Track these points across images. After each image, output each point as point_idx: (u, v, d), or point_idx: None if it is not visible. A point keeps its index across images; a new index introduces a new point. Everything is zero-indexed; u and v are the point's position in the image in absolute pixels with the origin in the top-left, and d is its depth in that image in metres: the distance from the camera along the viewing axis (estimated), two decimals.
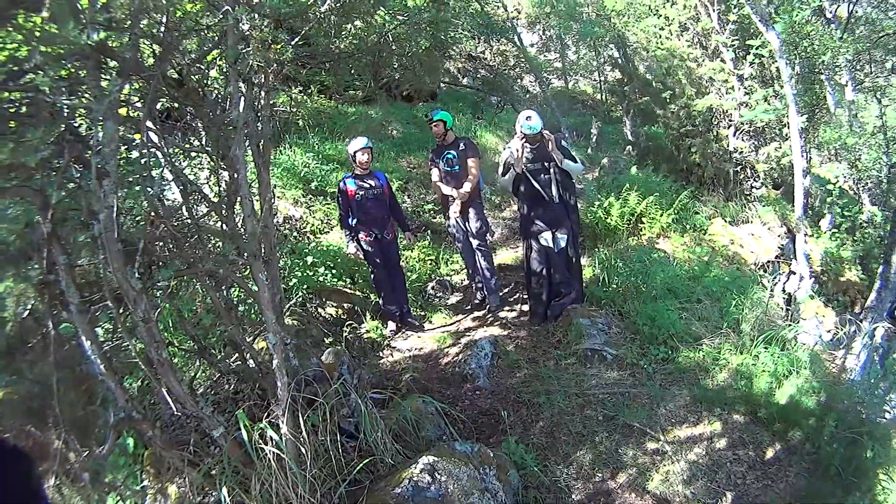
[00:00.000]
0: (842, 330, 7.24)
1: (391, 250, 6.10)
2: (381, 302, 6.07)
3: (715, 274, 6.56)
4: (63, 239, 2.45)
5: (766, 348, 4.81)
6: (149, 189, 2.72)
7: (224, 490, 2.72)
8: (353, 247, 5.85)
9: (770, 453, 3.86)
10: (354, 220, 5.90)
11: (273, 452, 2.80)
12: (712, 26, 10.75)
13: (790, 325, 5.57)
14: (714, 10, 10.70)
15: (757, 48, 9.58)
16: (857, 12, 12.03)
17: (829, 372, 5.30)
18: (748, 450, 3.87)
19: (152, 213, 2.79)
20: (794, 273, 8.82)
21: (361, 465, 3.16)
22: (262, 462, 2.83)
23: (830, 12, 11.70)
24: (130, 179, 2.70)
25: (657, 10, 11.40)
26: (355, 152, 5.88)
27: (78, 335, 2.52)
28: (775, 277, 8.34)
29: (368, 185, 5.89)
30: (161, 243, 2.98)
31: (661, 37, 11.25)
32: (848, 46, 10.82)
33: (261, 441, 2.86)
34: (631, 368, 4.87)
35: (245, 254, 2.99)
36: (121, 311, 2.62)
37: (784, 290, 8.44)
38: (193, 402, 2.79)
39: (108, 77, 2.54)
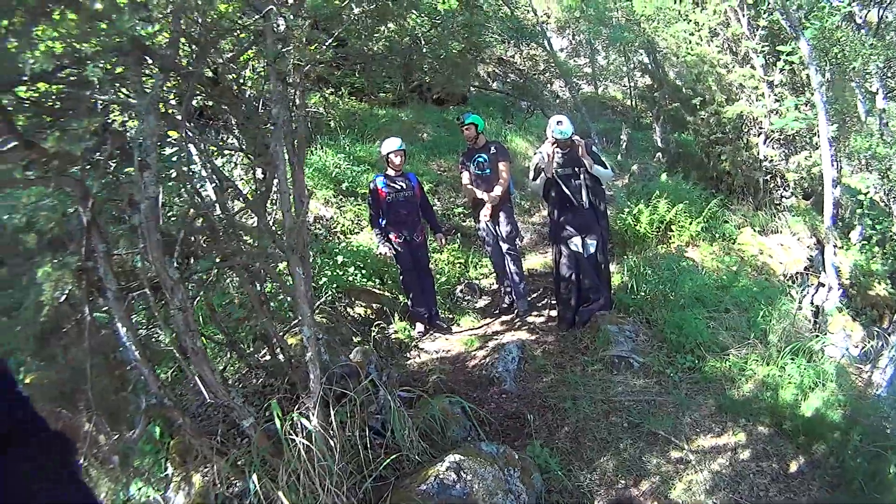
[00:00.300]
0: (869, 344, 7.14)
1: (421, 252, 6.11)
2: (409, 303, 6.11)
3: (743, 284, 6.51)
4: (102, 228, 2.54)
5: (792, 360, 4.78)
6: (187, 183, 2.82)
7: (255, 477, 2.77)
8: (384, 247, 5.85)
9: (794, 466, 3.83)
10: (384, 221, 5.94)
11: (303, 444, 2.85)
12: (742, 32, 10.64)
13: (817, 336, 5.50)
14: (744, 16, 10.59)
15: (787, 55, 9.46)
16: (887, 17, 11.81)
17: (855, 386, 5.24)
18: (772, 462, 3.84)
19: (190, 207, 2.88)
20: (823, 285, 8.70)
21: (388, 460, 3.21)
22: (291, 453, 2.89)
23: (861, 17, 11.50)
24: (166, 174, 2.80)
25: (687, 16, 11.32)
26: (388, 154, 5.92)
27: (113, 322, 2.60)
28: (804, 289, 8.25)
29: (400, 187, 5.91)
30: (199, 236, 3.08)
31: (690, 42, 11.17)
32: (879, 53, 10.62)
33: (291, 433, 2.91)
34: (657, 376, 4.87)
35: (281, 249, 3.06)
36: (157, 300, 2.72)
37: (812, 303, 8.33)
38: (225, 392, 2.86)
39: (148, 74, 2.64)
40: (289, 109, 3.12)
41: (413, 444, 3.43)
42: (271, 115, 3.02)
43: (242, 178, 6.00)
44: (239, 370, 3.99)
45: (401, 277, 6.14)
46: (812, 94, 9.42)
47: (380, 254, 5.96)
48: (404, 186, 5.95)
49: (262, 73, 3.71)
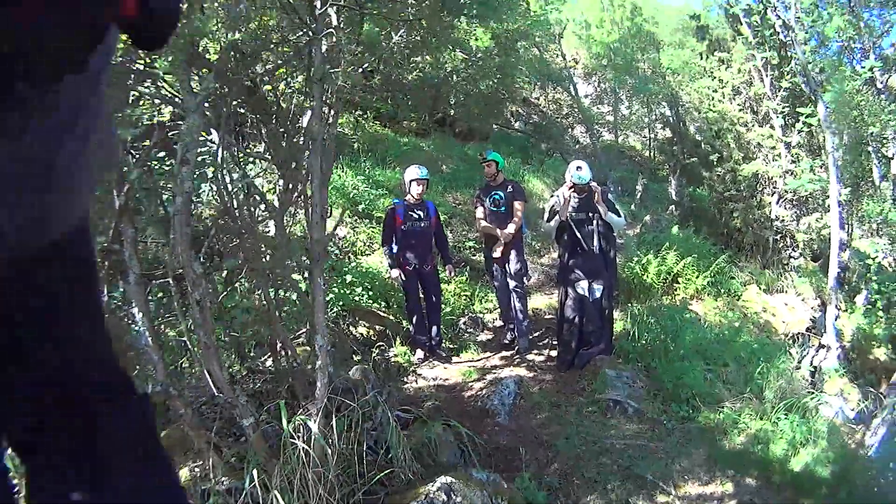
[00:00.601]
0: (864, 405, 7.14)
1: (430, 282, 6.16)
2: (411, 329, 6.14)
3: (744, 340, 6.57)
4: (132, 214, 2.66)
5: (786, 416, 4.83)
6: (219, 185, 2.96)
7: (254, 472, 2.83)
8: (395, 271, 5.92)
9: None
10: (396, 248, 6.01)
11: (301, 448, 2.93)
12: (764, 92, 10.83)
13: (813, 395, 5.54)
14: (767, 76, 10.78)
15: (806, 116, 9.62)
16: None
17: (847, 445, 5.26)
18: None
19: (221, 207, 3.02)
20: (823, 346, 8.73)
21: (381, 475, 3.28)
22: (288, 456, 2.96)
23: (881, 83, 11.66)
24: (199, 173, 2.93)
25: (711, 72, 11.53)
26: (411, 181, 6.00)
27: (130, 306, 2.71)
28: (804, 349, 8.29)
29: (417, 216, 5.98)
30: (225, 236, 3.21)
31: (713, 99, 11.37)
32: None
33: (290, 436, 2.99)
34: (651, 423, 4.91)
35: (303, 258, 3.19)
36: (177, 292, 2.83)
37: (811, 363, 8.36)
38: (231, 390, 2.95)
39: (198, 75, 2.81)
40: (324, 127, 3.27)
41: (406, 462, 3.49)
42: (309, 131, 3.17)
43: (264, 188, 6.12)
44: (239, 372, 4.07)
45: (405, 304, 6.23)
46: (827, 157, 9.55)
47: (390, 277, 6.09)
48: (421, 216, 6.01)
49: (297, 88, 3.89)
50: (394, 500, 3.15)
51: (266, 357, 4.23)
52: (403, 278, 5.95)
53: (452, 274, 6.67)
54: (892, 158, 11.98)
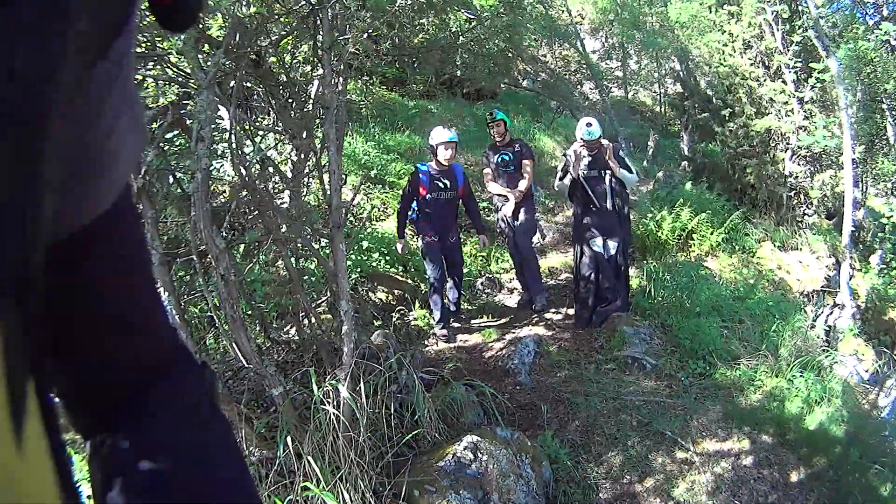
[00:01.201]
0: (877, 365, 7.18)
1: (453, 254, 5.86)
2: (433, 308, 5.80)
3: (759, 297, 6.59)
4: (151, 194, 2.69)
5: (801, 374, 4.90)
6: (235, 159, 2.97)
7: (288, 440, 2.90)
8: (400, 245, 5.73)
9: (794, 476, 3.93)
10: (417, 216, 5.69)
11: (332, 414, 3.00)
12: (776, 46, 10.61)
13: (827, 353, 5.58)
14: (778, 30, 10.56)
15: (819, 72, 9.45)
16: None
17: (861, 405, 5.31)
18: (773, 470, 3.94)
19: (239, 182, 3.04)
20: (838, 305, 8.73)
21: (409, 436, 3.36)
22: (318, 423, 3.03)
23: (894, 38, 11.43)
24: (213, 149, 2.95)
25: (721, 26, 11.29)
26: (438, 145, 5.58)
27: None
28: (818, 308, 8.29)
29: (443, 186, 5.58)
30: (246, 209, 3.24)
31: (724, 53, 11.14)
32: None
33: (321, 402, 3.06)
34: (668, 379, 4.99)
35: (320, 226, 3.21)
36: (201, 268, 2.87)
37: (826, 322, 8.37)
38: (259, 361, 3.01)
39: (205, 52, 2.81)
40: (335, 95, 3.27)
41: (432, 423, 3.57)
42: (321, 99, 3.17)
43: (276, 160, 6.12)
44: (264, 343, 4.14)
45: (428, 277, 5.74)
46: (840, 114, 9.42)
47: (398, 250, 5.85)
48: (447, 185, 5.61)
49: (303, 58, 3.87)
50: (422, 461, 3.23)
51: (290, 327, 4.30)
52: (407, 251, 5.86)
53: (485, 244, 6.41)
54: None
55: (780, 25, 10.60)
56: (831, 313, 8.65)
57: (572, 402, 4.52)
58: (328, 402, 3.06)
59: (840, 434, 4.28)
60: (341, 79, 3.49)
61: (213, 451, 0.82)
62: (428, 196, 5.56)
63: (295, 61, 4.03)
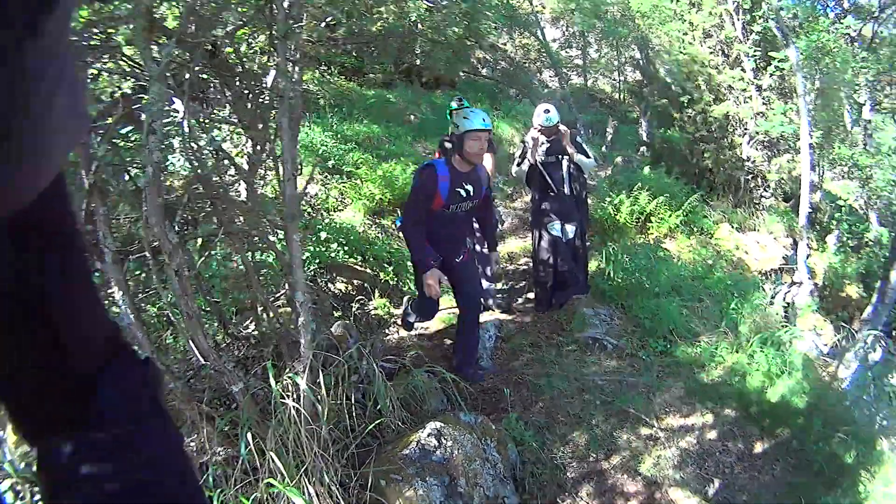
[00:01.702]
0: (837, 339, 7.40)
1: (461, 276, 4.35)
2: (409, 312, 4.93)
3: (718, 276, 6.72)
4: (103, 190, 2.61)
5: (761, 349, 4.97)
6: (188, 152, 2.90)
7: (249, 437, 2.85)
8: (433, 279, 3.99)
9: (758, 447, 4.03)
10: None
11: (292, 407, 2.95)
12: (735, 35, 10.83)
13: (787, 328, 5.71)
14: (738, 20, 10.77)
15: (779, 61, 9.69)
16: (881, 32, 12.13)
17: (821, 378, 5.45)
18: (737, 442, 4.04)
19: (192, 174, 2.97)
20: (796, 283, 8.98)
21: (372, 426, 3.32)
22: (280, 418, 2.98)
23: (855, 30, 11.77)
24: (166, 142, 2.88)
25: (682, 15, 11.47)
26: (465, 134, 3.93)
27: (109, 286, 2.67)
28: (776, 286, 8.50)
29: (465, 195, 4.05)
30: (199, 202, 3.16)
31: (683, 41, 11.33)
32: (870, 66, 10.94)
33: (280, 396, 3.01)
34: (630, 359, 5.03)
35: (280, 217, 3.15)
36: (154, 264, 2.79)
37: (784, 300, 8.59)
38: (217, 357, 2.94)
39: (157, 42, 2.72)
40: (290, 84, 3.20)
41: (395, 412, 3.54)
42: (276, 89, 3.10)
43: (232, 152, 5.99)
44: (223, 340, 4.06)
45: (412, 300, 4.87)
46: (798, 101, 9.70)
47: (430, 292, 4.03)
48: (471, 193, 4.07)
49: (259, 48, 3.79)
50: (386, 451, 3.20)
51: (248, 322, 4.22)
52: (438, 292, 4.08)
53: (498, 263, 5.37)
54: (864, 105, 12.26)
55: (740, 15, 10.83)
56: (789, 291, 8.90)
57: (535, 385, 4.53)
58: (288, 395, 3.01)
59: (802, 405, 4.38)
60: (297, 68, 3.42)
61: (152, 450, 0.81)
62: (447, 210, 4.05)
63: (252, 51, 3.95)
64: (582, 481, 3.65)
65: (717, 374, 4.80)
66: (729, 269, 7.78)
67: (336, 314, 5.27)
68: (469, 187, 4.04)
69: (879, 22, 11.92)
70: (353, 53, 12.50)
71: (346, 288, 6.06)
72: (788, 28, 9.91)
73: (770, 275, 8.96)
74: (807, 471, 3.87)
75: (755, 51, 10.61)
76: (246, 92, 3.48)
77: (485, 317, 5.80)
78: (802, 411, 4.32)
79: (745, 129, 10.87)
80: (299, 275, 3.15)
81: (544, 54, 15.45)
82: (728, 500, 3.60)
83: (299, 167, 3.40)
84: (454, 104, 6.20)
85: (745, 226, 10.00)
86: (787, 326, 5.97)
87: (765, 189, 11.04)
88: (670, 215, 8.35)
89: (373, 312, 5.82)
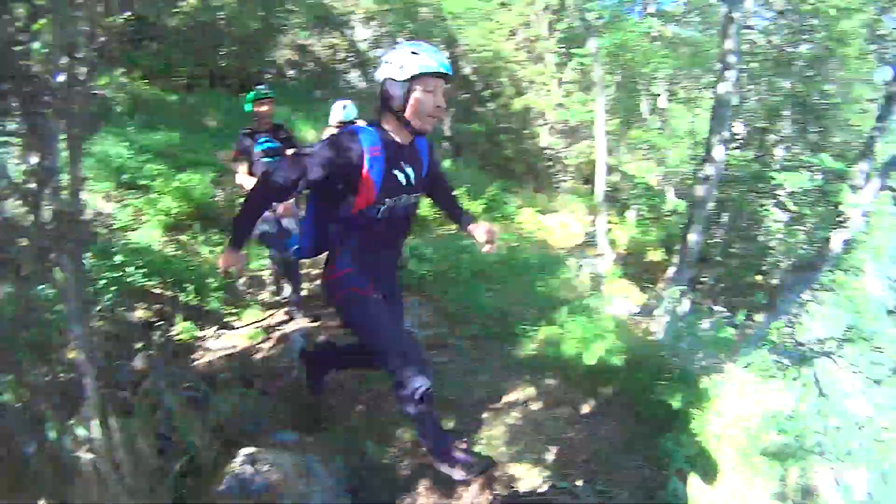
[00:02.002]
0: (645, 299, 8.15)
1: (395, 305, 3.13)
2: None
3: (524, 257, 7.05)
4: None
5: (571, 318, 5.23)
6: None
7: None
8: (236, 256, 2.86)
9: (586, 408, 4.21)
10: (340, 245, 2.78)
11: (91, 461, 2.62)
12: (540, 33, 11.57)
13: (596, 296, 6.10)
14: (545, 19, 11.54)
15: (582, 57, 10.53)
16: (680, 34, 13.82)
17: (636, 335, 5.88)
18: (565, 408, 4.19)
19: None
20: (599, 255, 9.81)
21: (180, 462, 3.05)
22: (78, 474, 2.64)
23: (655, 31, 13.11)
24: None
25: (490, 15, 11.97)
26: (414, 80, 2.52)
27: None
28: (581, 260, 9.20)
29: (406, 180, 2.68)
30: None
31: (489, 39, 11.84)
32: (669, 63, 12.28)
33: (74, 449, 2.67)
34: (441, 348, 5.09)
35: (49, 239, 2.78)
36: None
37: (590, 272, 9.32)
38: None
39: None
40: (74, 85, 2.81)
41: (206, 444, 3.30)
42: (58, 92, 2.71)
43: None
44: (22, 395, 3.55)
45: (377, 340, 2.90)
46: (597, 91, 10.68)
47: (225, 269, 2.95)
48: (410, 179, 2.70)
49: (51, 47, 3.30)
50: (200, 488, 2.98)
51: (42, 367, 3.72)
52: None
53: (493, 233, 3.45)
54: (659, 96, 13.94)
55: (546, 14, 11.66)
56: (594, 263, 9.72)
57: (350, 389, 4.43)
58: (82, 448, 2.67)
59: (621, 363, 4.63)
60: (85, 69, 3.02)
61: None
62: (378, 210, 2.61)
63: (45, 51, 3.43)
64: (416, 477, 3.59)
65: (532, 349, 4.99)
66: (534, 249, 8.21)
67: (137, 345, 4.82)
68: (409, 169, 2.67)
69: (680, 25, 13.60)
70: (156, 53, 11.62)
71: (147, 315, 5.56)
72: (594, 27, 10.74)
73: (574, 250, 9.68)
74: (640, 421, 4.11)
75: (560, 47, 11.41)
76: (32, 97, 3.02)
77: (290, 327, 5.66)
78: (622, 368, 4.57)
79: (545, 119, 11.63)
80: (72, 304, 2.78)
81: (352, 54, 15.34)
82: (570, 460, 3.67)
83: (84, 182, 3.02)
84: (252, 93, 5.48)
85: (547, 209, 10.70)
86: (595, 294, 6.41)
87: (564, 174, 11.92)
88: (472, 204, 8.66)
89: (177, 338, 5.37)
